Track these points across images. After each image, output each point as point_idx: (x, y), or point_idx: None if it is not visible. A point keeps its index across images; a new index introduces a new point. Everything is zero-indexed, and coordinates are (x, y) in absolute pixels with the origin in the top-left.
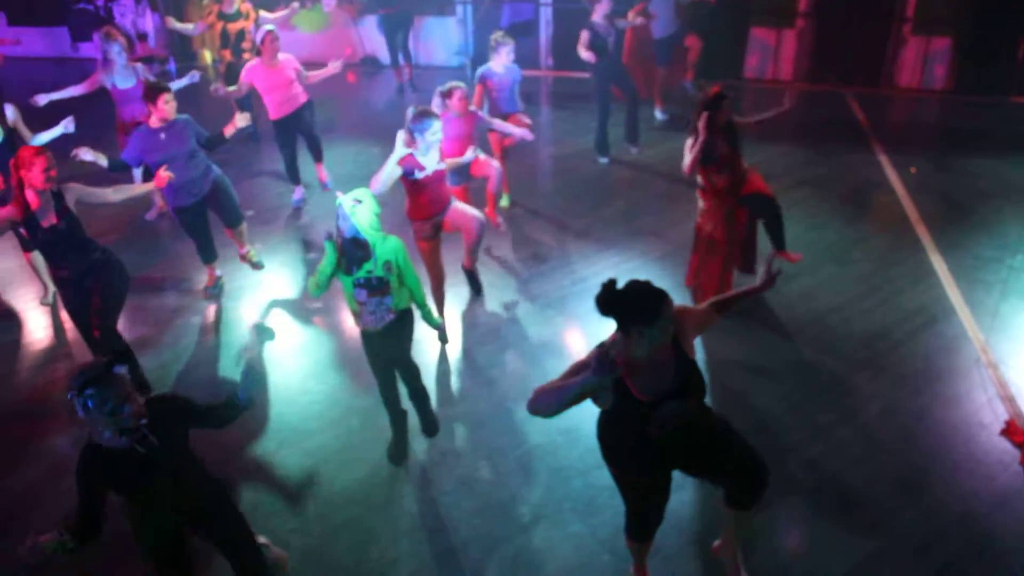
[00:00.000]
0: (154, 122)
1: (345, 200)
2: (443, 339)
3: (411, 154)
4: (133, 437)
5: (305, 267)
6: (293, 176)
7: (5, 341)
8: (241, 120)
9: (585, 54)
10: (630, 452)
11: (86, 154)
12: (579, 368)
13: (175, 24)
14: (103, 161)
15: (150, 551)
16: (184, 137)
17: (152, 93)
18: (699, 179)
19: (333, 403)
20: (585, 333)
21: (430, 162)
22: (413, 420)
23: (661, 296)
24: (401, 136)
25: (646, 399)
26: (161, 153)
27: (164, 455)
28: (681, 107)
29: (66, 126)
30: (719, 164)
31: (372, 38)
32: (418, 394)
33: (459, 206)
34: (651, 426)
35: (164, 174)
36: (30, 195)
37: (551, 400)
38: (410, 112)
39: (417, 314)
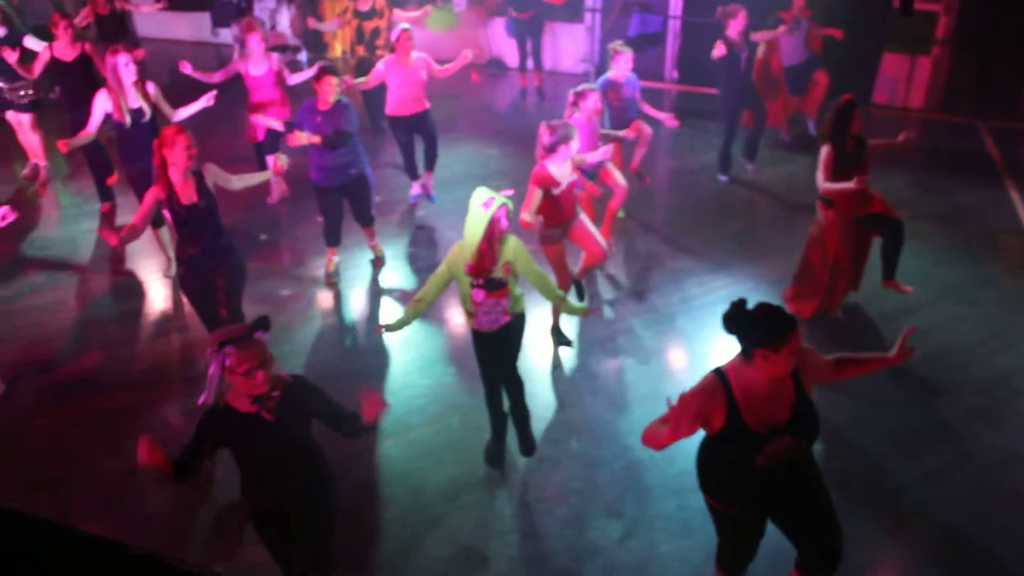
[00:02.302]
0: (319, 103)
1: (498, 199)
2: (558, 343)
3: (547, 170)
4: (263, 405)
5: (418, 261)
6: (411, 172)
7: (126, 310)
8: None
9: (718, 52)
10: (728, 482)
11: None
12: (695, 400)
13: (317, 24)
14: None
15: (251, 512)
16: (340, 122)
17: (319, 74)
18: (823, 188)
19: (435, 399)
20: (693, 352)
21: (564, 175)
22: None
23: (792, 324)
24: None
25: (758, 429)
26: (315, 132)
27: (285, 431)
28: (806, 134)
29: (206, 100)
30: (848, 174)
31: (500, 41)
32: (519, 410)
33: (589, 226)
34: (760, 456)
35: (281, 163)
36: (173, 173)
37: (665, 438)
38: (544, 127)
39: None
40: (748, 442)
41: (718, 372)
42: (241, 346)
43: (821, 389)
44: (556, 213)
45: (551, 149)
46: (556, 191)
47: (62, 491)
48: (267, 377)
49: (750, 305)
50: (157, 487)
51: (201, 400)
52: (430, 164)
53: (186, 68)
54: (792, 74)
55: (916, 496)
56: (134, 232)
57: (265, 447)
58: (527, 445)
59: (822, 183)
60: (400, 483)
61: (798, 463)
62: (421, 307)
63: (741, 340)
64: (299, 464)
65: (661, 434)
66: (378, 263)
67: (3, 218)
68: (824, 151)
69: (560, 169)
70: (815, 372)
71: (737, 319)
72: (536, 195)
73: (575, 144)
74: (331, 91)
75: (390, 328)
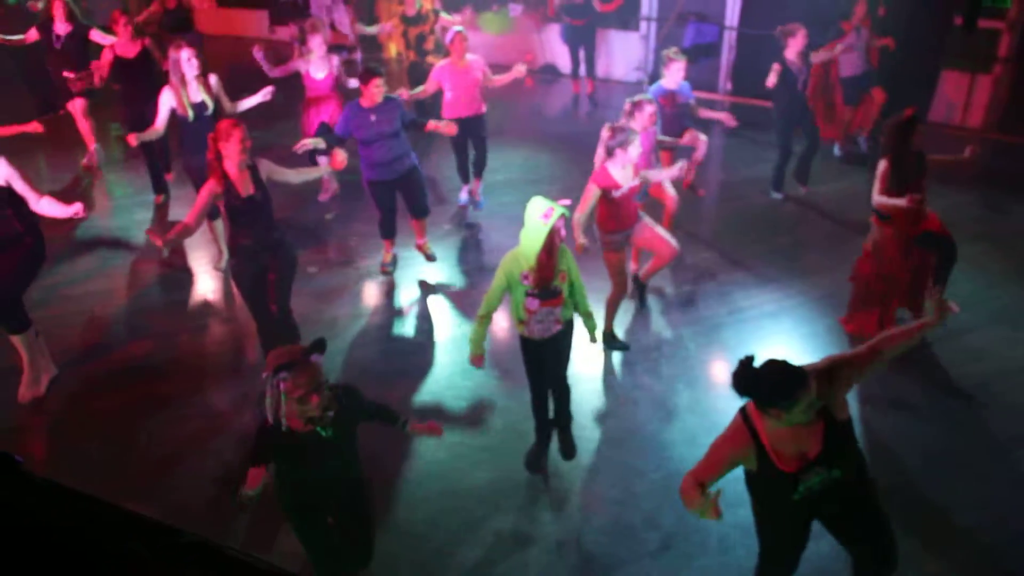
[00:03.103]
0: (365, 102)
1: (557, 210)
2: (610, 347)
3: (607, 172)
4: (317, 425)
5: (465, 264)
6: (463, 175)
7: (175, 300)
8: (446, 128)
9: (772, 80)
10: (774, 517)
11: (306, 146)
12: (725, 447)
13: (363, 29)
14: (321, 144)
15: (288, 515)
16: (392, 118)
17: (366, 76)
18: (877, 202)
19: (476, 401)
20: (736, 366)
21: (626, 179)
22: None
23: (801, 379)
24: (601, 153)
25: (789, 469)
26: (369, 131)
27: (336, 443)
28: (859, 149)
29: (264, 95)
30: (906, 191)
31: (553, 46)
32: (563, 416)
33: (657, 227)
34: (798, 493)
35: (340, 158)
36: (228, 166)
37: (697, 494)
38: (607, 128)
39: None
40: (782, 482)
41: (743, 414)
42: (295, 371)
43: (865, 402)
44: (617, 219)
45: (610, 152)
46: (616, 194)
47: (108, 474)
48: (321, 400)
49: (762, 363)
50: (198, 474)
51: (268, 423)
52: (478, 171)
53: (258, 53)
54: (849, 86)
55: (962, 519)
56: (186, 231)
57: (314, 460)
58: (568, 449)
59: (877, 197)
60: (437, 484)
61: (842, 484)
62: (487, 322)
63: (753, 400)
64: (342, 473)
65: (695, 492)
66: (430, 259)
67: (76, 214)
68: (882, 165)
69: (621, 172)
70: (855, 372)
71: (745, 381)
72: (592, 195)
73: (635, 149)
74: (379, 92)
75: (478, 352)
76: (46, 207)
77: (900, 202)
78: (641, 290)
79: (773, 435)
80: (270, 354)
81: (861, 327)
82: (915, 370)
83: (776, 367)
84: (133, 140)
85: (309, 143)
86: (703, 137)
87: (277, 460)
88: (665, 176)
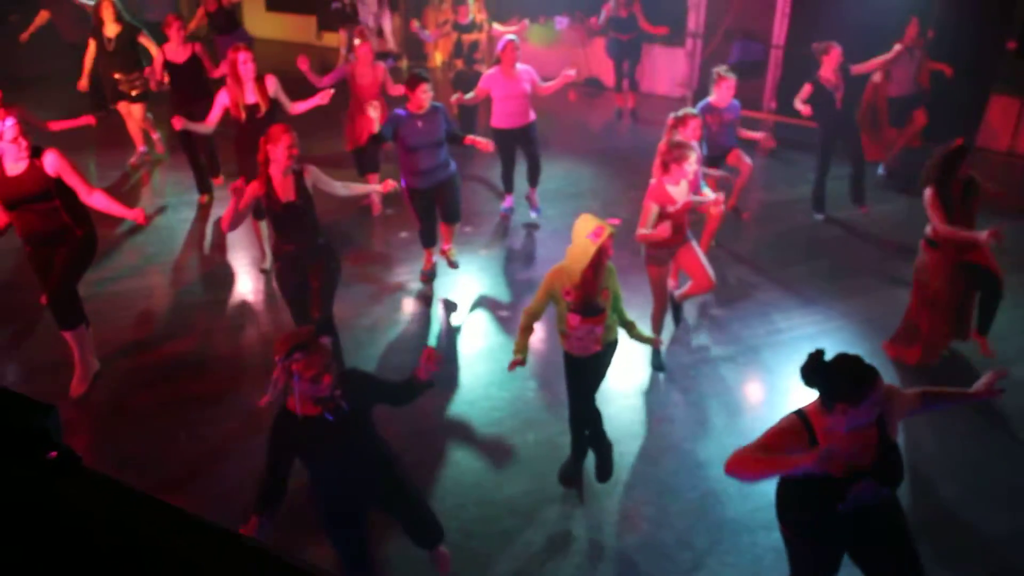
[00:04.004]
0: (412, 107)
1: (607, 229)
2: (658, 366)
3: (663, 187)
4: (326, 406)
5: (504, 274)
6: (507, 184)
7: (217, 299)
8: (484, 145)
9: (801, 107)
10: (806, 521)
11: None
12: (777, 435)
13: (417, 29)
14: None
15: (326, 518)
16: (437, 125)
17: (413, 82)
18: (944, 231)
19: (513, 413)
20: (775, 387)
21: (680, 195)
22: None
23: (872, 375)
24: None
25: (839, 475)
26: (416, 138)
27: (350, 426)
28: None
29: (321, 98)
30: (954, 218)
31: (599, 60)
32: (597, 439)
33: (699, 254)
34: (842, 501)
35: (390, 183)
36: (274, 170)
37: (755, 474)
38: (664, 143)
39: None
40: (829, 487)
41: (800, 414)
42: (308, 352)
43: (908, 433)
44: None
45: (666, 166)
46: (671, 209)
47: (146, 469)
48: (331, 381)
49: (830, 355)
50: (234, 472)
51: (264, 401)
52: (533, 180)
53: (303, 65)
54: (897, 106)
55: (1006, 555)
56: (238, 216)
57: (332, 445)
58: (604, 471)
59: (939, 226)
60: (472, 493)
61: (880, 507)
62: (529, 333)
63: (821, 393)
64: (366, 457)
65: (753, 464)
66: (453, 266)
67: (136, 219)
68: (927, 194)
69: (676, 188)
70: (900, 409)
71: (815, 372)
72: (652, 212)
73: (691, 165)
74: (427, 97)
75: (518, 358)
76: (98, 201)
77: (980, 236)
78: (676, 309)
79: (828, 439)
80: (279, 338)
81: (902, 354)
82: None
83: (850, 361)
84: (178, 124)
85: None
86: (748, 160)
87: (300, 456)
88: (703, 203)
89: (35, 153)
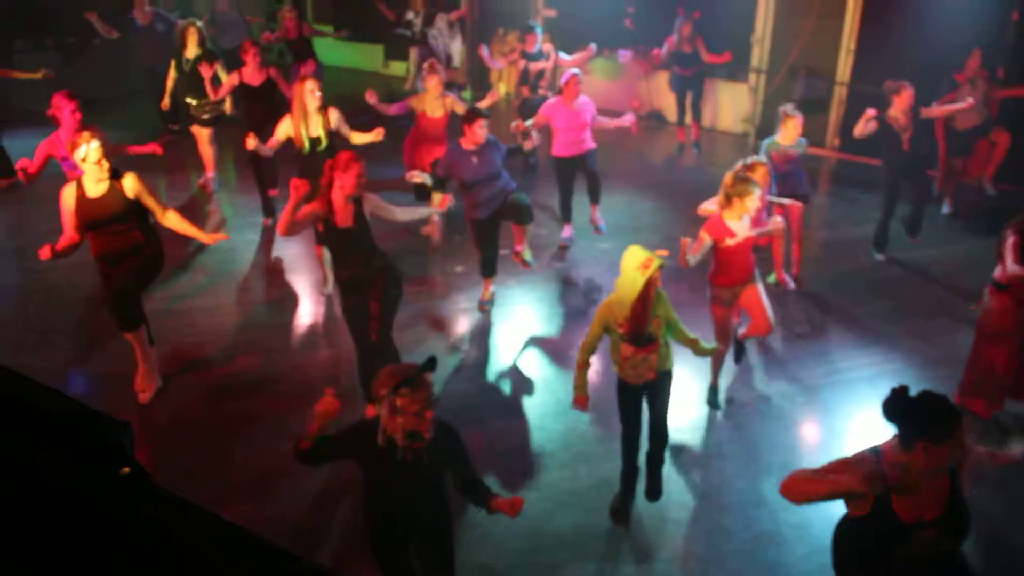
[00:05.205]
0: (466, 143)
1: (656, 261)
2: (713, 403)
3: (722, 221)
4: (413, 446)
5: (561, 306)
6: (566, 214)
7: (279, 321)
8: (528, 142)
9: (859, 133)
10: (866, 568)
11: (416, 177)
12: (843, 466)
13: (485, 55)
14: (428, 180)
15: (373, 544)
16: (493, 159)
17: (470, 117)
18: (997, 272)
19: (565, 445)
20: (832, 429)
21: (742, 230)
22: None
23: (957, 415)
24: (707, 204)
25: (907, 520)
26: (472, 174)
27: (424, 470)
28: (970, 204)
29: (376, 135)
30: None
31: (661, 94)
32: (655, 457)
33: (763, 296)
34: (905, 548)
35: (448, 199)
36: (336, 195)
37: (809, 494)
38: (730, 175)
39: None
40: (894, 532)
41: (874, 451)
42: (413, 387)
43: (977, 486)
44: (728, 272)
45: (728, 199)
46: (729, 243)
47: (203, 486)
48: (432, 416)
49: (912, 392)
50: (291, 492)
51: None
52: (594, 196)
53: (371, 98)
54: (963, 138)
55: None
56: (295, 225)
57: (401, 481)
58: (654, 490)
59: (1013, 266)
60: (522, 524)
61: (944, 562)
62: (587, 368)
63: (901, 429)
64: (429, 503)
65: (804, 483)
66: (527, 266)
67: (214, 240)
68: (1011, 239)
69: (736, 223)
70: (969, 461)
71: (898, 407)
72: (704, 243)
73: (753, 202)
74: (482, 133)
75: (581, 394)
76: (173, 221)
77: None
78: (739, 350)
79: (900, 481)
80: (383, 372)
81: (970, 404)
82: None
83: (934, 398)
84: (250, 143)
85: (418, 175)
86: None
87: (367, 469)
88: (766, 232)
89: (115, 175)
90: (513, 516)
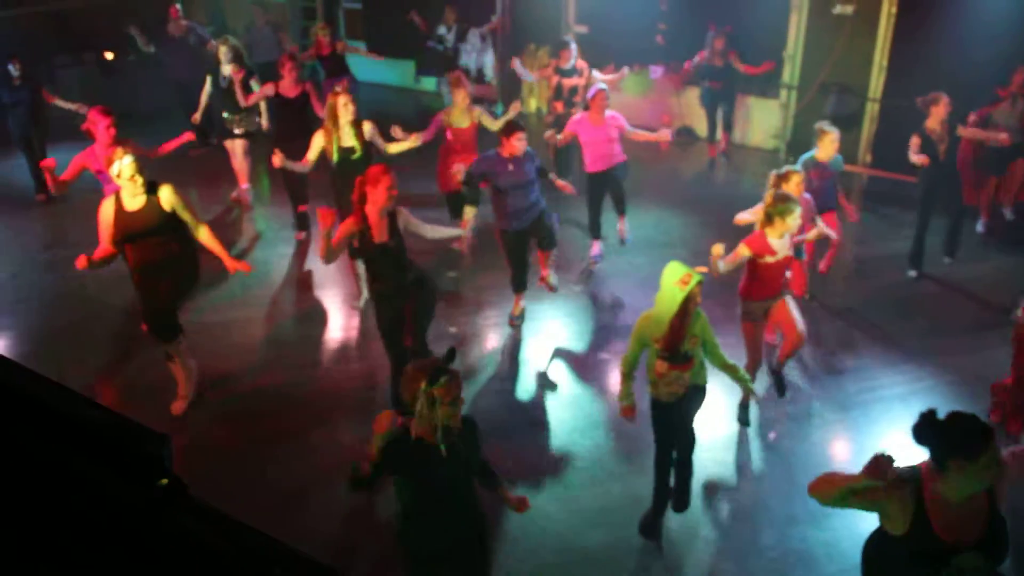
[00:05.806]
0: (504, 152)
1: (695, 277)
2: (744, 420)
3: (764, 238)
4: (448, 437)
5: (591, 321)
6: (594, 230)
7: (311, 333)
8: (568, 189)
9: (916, 158)
10: None
11: (459, 174)
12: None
13: (518, 67)
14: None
15: (411, 554)
16: (528, 169)
17: (509, 129)
18: None
19: (595, 462)
20: (864, 448)
21: (782, 248)
22: None
23: (988, 432)
24: (744, 214)
25: (947, 540)
26: (506, 179)
27: (456, 465)
28: (1005, 222)
29: (415, 139)
30: None
31: (692, 110)
32: (685, 465)
33: (793, 309)
34: (946, 570)
35: (470, 223)
36: (369, 210)
37: (829, 490)
38: (770, 194)
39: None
40: (933, 551)
41: (914, 468)
42: (450, 377)
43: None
44: (761, 287)
45: (769, 219)
46: (769, 259)
47: (234, 500)
48: (460, 411)
49: (941, 414)
50: (322, 507)
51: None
52: (620, 209)
53: (397, 133)
54: (1004, 154)
55: None
56: (331, 252)
57: (436, 479)
58: (682, 501)
59: None
60: (552, 541)
61: None
62: (631, 380)
63: (934, 451)
64: (462, 503)
65: (828, 481)
66: (552, 289)
67: (235, 268)
68: None
69: (777, 241)
70: (1008, 477)
71: (928, 429)
72: (741, 255)
73: (795, 220)
74: (521, 145)
75: (627, 403)
76: (204, 237)
77: None
78: (779, 382)
79: (938, 501)
80: (412, 368)
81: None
82: None
83: (965, 416)
84: (277, 160)
85: (462, 169)
86: (834, 234)
87: (403, 474)
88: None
89: (151, 189)
90: (520, 512)
